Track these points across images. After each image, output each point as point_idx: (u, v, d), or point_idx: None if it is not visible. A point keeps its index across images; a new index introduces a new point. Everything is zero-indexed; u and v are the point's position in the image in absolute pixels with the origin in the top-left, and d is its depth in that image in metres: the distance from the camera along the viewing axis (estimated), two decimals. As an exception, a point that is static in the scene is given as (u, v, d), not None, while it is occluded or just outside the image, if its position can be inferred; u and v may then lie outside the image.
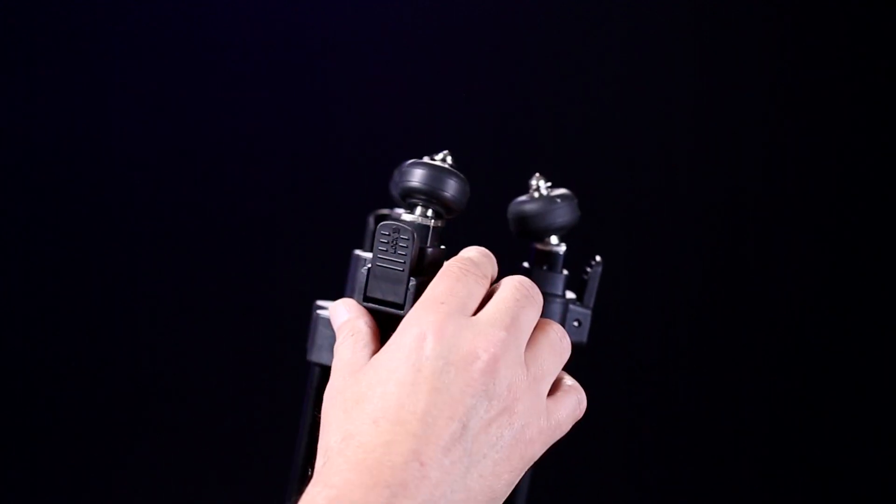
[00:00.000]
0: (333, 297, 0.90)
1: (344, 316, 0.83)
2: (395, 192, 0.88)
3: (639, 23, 1.77)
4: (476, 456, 0.75)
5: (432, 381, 0.75)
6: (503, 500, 0.78)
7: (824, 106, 1.78)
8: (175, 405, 1.78)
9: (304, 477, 0.88)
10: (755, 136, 1.79)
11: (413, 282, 0.82)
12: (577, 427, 0.83)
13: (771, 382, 1.82)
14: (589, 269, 0.93)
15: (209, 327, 1.78)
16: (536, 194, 0.91)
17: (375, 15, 1.75)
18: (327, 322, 0.87)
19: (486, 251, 0.83)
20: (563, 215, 0.90)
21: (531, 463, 0.79)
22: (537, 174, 0.92)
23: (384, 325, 0.83)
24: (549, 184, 0.92)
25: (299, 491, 0.87)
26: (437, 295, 0.79)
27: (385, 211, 0.93)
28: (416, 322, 0.77)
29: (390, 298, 0.82)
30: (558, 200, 0.90)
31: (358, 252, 0.87)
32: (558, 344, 0.81)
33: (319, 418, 0.84)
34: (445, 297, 0.78)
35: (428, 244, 0.84)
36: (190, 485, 1.78)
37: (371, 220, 0.94)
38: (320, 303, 0.90)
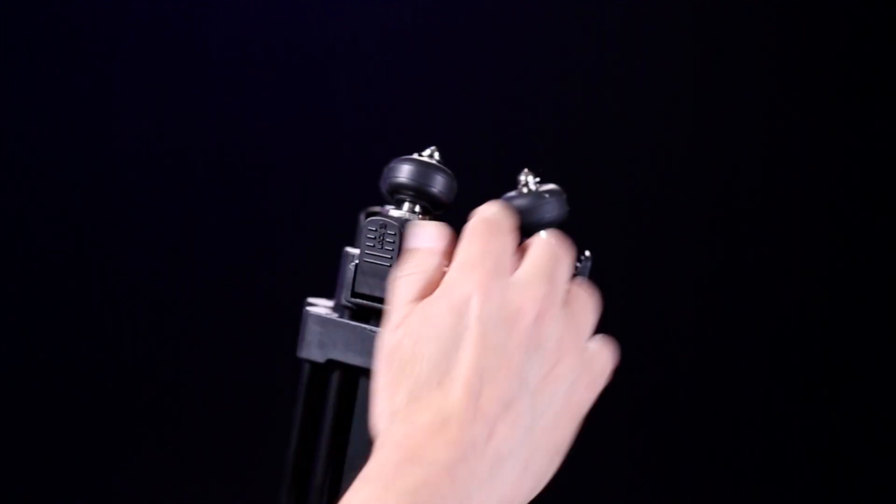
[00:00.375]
0: (327, 295, 0.91)
1: (428, 241, 0.82)
2: (383, 188, 0.88)
3: (634, 18, 1.77)
4: (537, 410, 0.76)
5: (485, 340, 0.75)
6: (564, 454, 0.79)
7: (824, 106, 1.78)
8: (168, 403, 1.79)
9: (298, 475, 0.88)
10: (751, 133, 1.79)
11: (400, 277, 0.83)
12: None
13: (770, 382, 1.81)
14: (578, 265, 0.93)
15: (203, 324, 1.78)
16: (525, 190, 0.91)
17: (371, 15, 1.76)
18: (317, 318, 0.87)
19: (504, 204, 0.84)
20: (552, 211, 0.90)
21: (584, 415, 0.80)
22: (526, 170, 0.92)
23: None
24: (538, 179, 0.92)
25: (294, 489, 0.88)
26: (472, 256, 0.79)
27: (377, 208, 0.93)
28: (459, 284, 0.78)
29: (378, 294, 0.83)
30: (546, 196, 0.90)
31: (348, 249, 0.87)
32: (592, 298, 0.82)
33: (314, 414, 0.84)
34: (481, 258, 0.79)
35: (416, 240, 0.85)
36: (183, 483, 1.79)
37: (363, 217, 0.95)
38: (311, 300, 0.90)
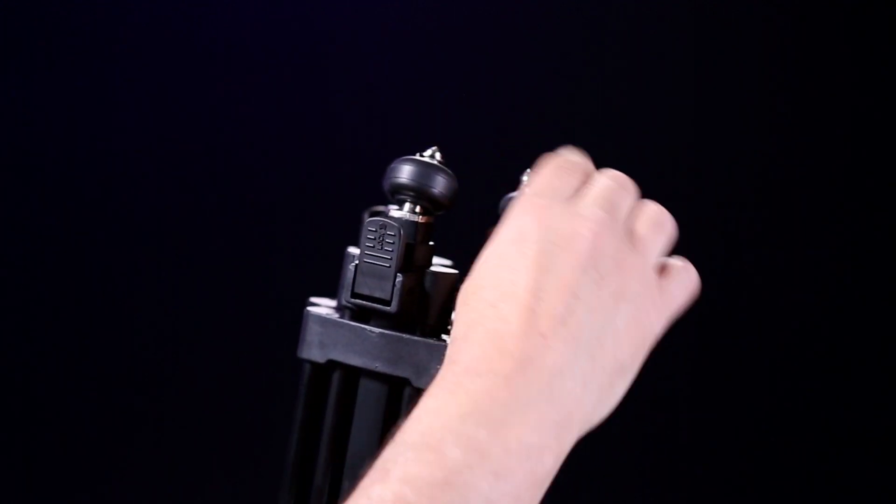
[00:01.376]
0: (330, 295, 0.90)
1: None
2: (385, 188, 0.88)
3: (635, 19, 1.76)
4: (595, 328, 0.77)
5: (539, 261, 0.77)
6: (634, 373, 0.80)
7: (824, 106, 1.78)
8: (169, 403, 1.79)
9: (298, 475, 0.88)
10: (751, 135, 1.79)
11: (400, 278, 0.82)
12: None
13: (770, 383, 1.81)
14: None
15: (204, 324, 1.78)
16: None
17: (375, 16, 1.75)
18: (317, 318, 0.87)
19: (578, 150, 0.85)
20: None
21: (653, 339, 0.81)
22: (528, 170, 0.92)
23: None
24: None
25: (294, 490, 0.87)
26: (535, 188, 0.82)
27: (380, 208, 0.93)
28: (518, 214, 0.80)
29: (377, 294, 0.83)
30: None
31: (350, 249, 0.87)
32: (661, 220, 0.84)
33: (315, 415, 0.84)
34: (543, 190, 0.81)
35: (416, 240, 0.84)
36: (184, 483, 1.79)
37: (366, 217, 0.95)
38: (314, 300, 0.90)
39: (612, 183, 0.83)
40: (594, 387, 0.77)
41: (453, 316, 0.81)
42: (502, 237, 0.80)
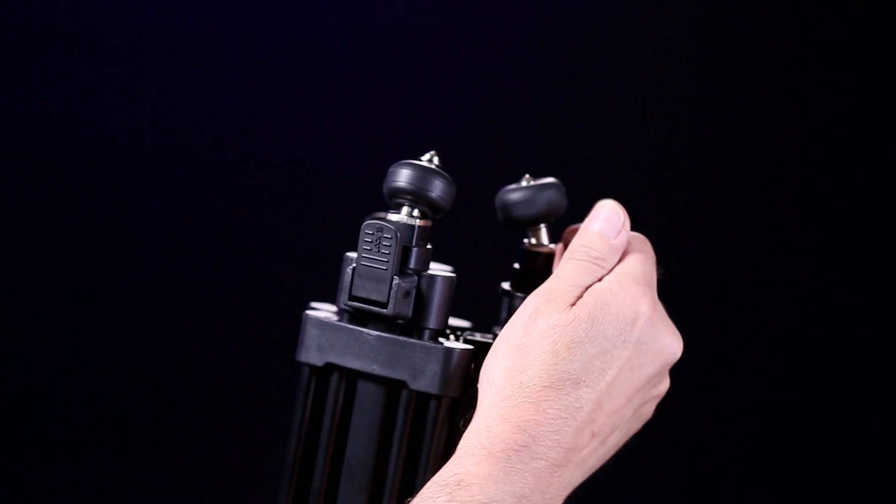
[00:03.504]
0: (330, 300, 0.91)
1: (611, 232, 0.85)
2: (384, 192, 0.88)
3: (635, 20, 1.76)
4: (623, 430, 0.81)
5: (631, 363, 0.80)
6: None
7: (824, 107, 1.78)
8: (169, 405, 1.79)
9: (296, 477, 0.88)
10: (751, 133, 1.79)
11: (397, 280, 0.83)
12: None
13: (769, 384, 1.81)
14: None
15: (204, 327, 1.79)
16: (524, 183, 0.91)
17: (373, 20, 1.76)
18: (315, 322, 0.87)
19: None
20: (551, 200, 0.90)
21: None
22: (527, 175, 0.92)
23: None
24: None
25: (292, 491, 0.88)
26: (644, 275, 0.83)
27: (382, 214, 0.93)
28: (634, 296, 0.81)
29: (375, 297, 0.83)
30: (543, 186, 0.90)
31: (348, 253, 0.87)
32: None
33: (313, 417, 0.85)
34: (650, 280, 0.83)
35: (413, 244, 0.85)
36: (183, 486, 1.79)
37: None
38: (314, 304, 0.91)
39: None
40: (589, 473, 0.81)
41: (521, 331, 0.80)
42: (613, 310, 0.80)
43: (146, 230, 1.77)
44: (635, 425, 0.83)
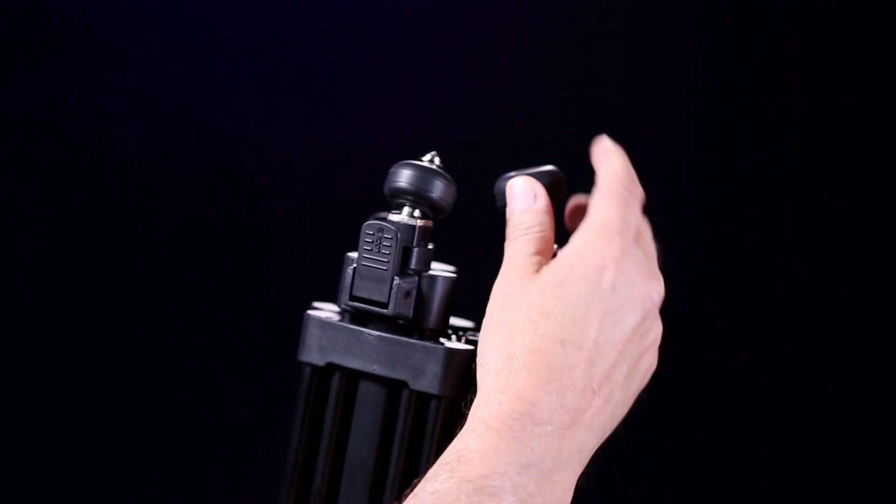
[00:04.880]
0: (332, 300, 0.91)
1: (530, 202, 0.85)
2: (385, 193, 0.88)
3: (636, 21, 1.76)
4: (626, 385, 0.80)
5: (610, 313, 0.79)
6: None
7: (824, 107, 1.77)
8: (170, 405, 1.79)
9: (298, 477, 0.88)
10: (751, 133, 1.79)
11: (397, 281, 0.83)
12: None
13: (770, 384, 1.81)
14: None
15: (206, 328, 1.79)
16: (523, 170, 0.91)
17: (376, 21, 1.76)
18: (316, 322, 0.87)
19: (630, 167, 0.85)
20: (545, 182, 0.90)
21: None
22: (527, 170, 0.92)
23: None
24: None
25: (294, 491, 0.88)
26: (612, 223, 0.81)
27: (383, 214, 0.93)
28: (597, 249, 0.80)
29: (375, 297, 0.83)
30: (541, 174, 0.90)
31: (349, 254, 0.87)
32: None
33: (314, 417, 0.85)
34: (621, 227, 0.81)
35: (414, 244, 0.85)
36: (184, 485, 1.79)
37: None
38: (316, 304, 0.91)
39: (651, 237, 0.85)
40: (605, 435, 0.80)
41: (497, 312, 0.81)
42: (577, 267, 0.80)
43: (148, 230, 1.77)
44: (639, 378, 0.82)
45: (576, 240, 0.81)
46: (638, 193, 0.84)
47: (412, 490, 0.76)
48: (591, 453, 0.79)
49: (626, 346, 0.79)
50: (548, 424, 0.76)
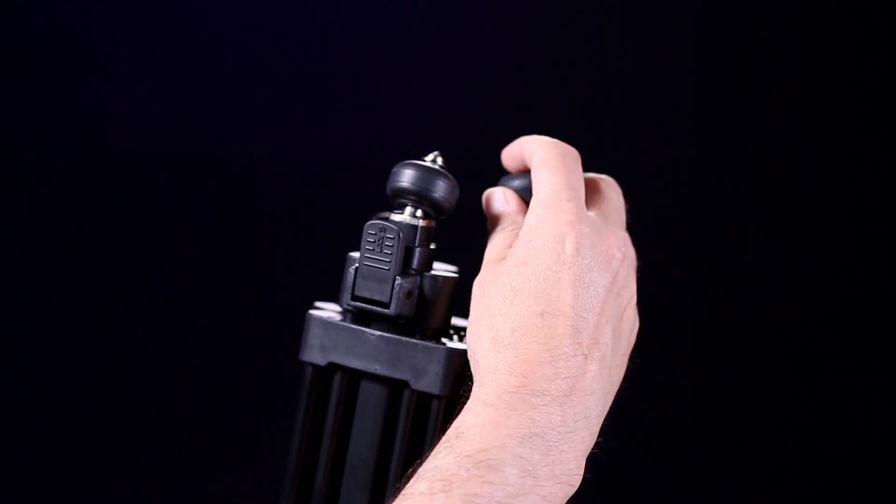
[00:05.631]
0: (333, 300, 0.91)
1: (502, 206, 0.88)
2: (387, 193, 0.88)
3: (637, 21, 1.77)
4: (615, 347, 0.81)
5: (580, 277, 0.80)
6: None
7: (824, 107, 1.78)
8: (171, 405, 1.79)
9: (299, 476, 0.89)
10: (751, 133, 1.79)
11: (399, 280, 0.83)
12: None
13: (769, 384, 1.81)
14: None
15: (208, 327, 1.79)
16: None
17: (378, 21, 1.76)
18: (318, 322, 0.87)
19: (547, 138, 0.87)
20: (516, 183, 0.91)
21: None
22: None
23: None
24: None
25: (295, 491, 0.88)
26: (559, 192, 0.83)
27: (385, 214, 0.93)
28: (551, 220, 0.81)
29: (377, 297, 0.84)
30: (512, 178, 0.91)
31: (351, 253, 0.88)
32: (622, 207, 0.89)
33: (316, 417, 0.85)
34: (569, 193, 0.83)
35: (416, 244, 0.85)
36: (185, 484, 1.79)
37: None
38: (318, 304, 0.91)
39: (619, 195, 0.86)
40: (608, 400, 0.80)
41: (476, 303, 0.82)
42: (536, 241, 0.81)
43: (150, 230, 1.78)
44: (625, 338, 0.83)
45: (529, 218, 0.83)
46: (571, 155, 0.85)
47: (414, 471, 0.76)
48: (600, 420, 0.79)
49: (603, 306, 0.80)
50: (545, 394, 0.76)
